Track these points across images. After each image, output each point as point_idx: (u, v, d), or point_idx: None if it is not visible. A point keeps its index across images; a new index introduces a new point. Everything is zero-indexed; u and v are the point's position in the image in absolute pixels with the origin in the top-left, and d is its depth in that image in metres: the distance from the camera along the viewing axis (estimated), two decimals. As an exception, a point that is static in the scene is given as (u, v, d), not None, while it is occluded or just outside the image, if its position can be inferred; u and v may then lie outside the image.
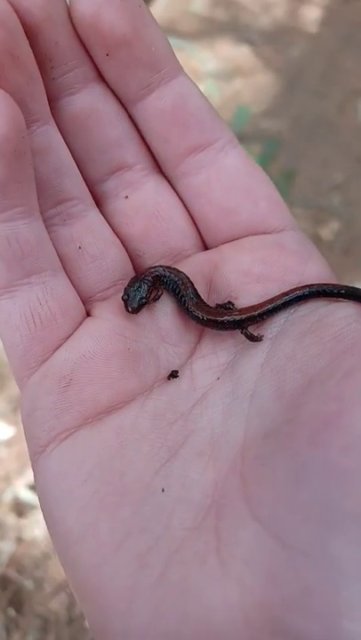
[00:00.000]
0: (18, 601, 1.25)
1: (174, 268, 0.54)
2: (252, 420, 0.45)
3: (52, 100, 0.51)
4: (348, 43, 2.33)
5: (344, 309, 0.48)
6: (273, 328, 0.51)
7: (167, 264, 0.56)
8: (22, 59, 0.45)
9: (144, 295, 0.51)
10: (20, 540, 1.32)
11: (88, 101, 0.52)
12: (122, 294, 0.52)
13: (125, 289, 0.52)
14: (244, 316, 0.51)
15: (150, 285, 0.52)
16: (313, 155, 2.07)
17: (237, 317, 0.51)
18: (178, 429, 0.47)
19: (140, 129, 0.55)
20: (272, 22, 2.44)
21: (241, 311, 0.51)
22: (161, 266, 0.55)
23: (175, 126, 0.53)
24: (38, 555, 1.30)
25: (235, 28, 2.41)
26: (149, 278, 0.53)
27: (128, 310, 0.51)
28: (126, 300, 0.51)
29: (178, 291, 0.53)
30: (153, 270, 0.54)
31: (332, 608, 0.35)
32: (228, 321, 0.51)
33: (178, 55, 0.52)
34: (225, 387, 0.48)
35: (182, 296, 0.53)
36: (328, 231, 1.93)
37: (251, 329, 0.51)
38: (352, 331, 0.45)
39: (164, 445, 0.46)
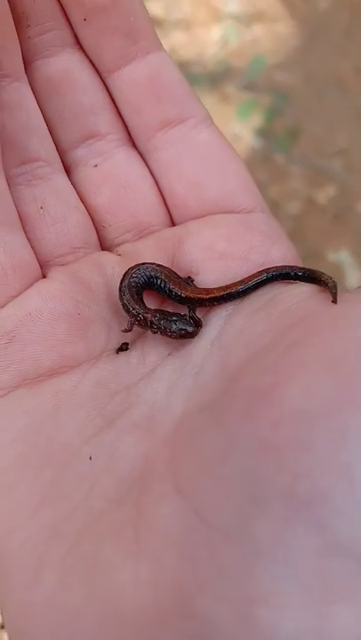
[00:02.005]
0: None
1: (138, 265, 0.52)
2: (193, 396, 0.44)
3: (28, 62, 0.52)
4: (379, 1, 2.23)
5: (298, 288, 0.48)
6: (228, 307, 0.50)
7: (132, 239, 0.55)
8: None
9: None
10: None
11: (63, 65, 0.53)
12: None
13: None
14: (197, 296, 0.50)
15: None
16: (321, 115, 2.02)
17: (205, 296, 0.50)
18: (119, 401, 0.45)
19: (115, 100, 0.55)
20: (304, -32, 2.33)
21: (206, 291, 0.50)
22: (125, 279, 0.51)
23: (149, 98, 0.54)
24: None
25: (264, -30, 2.30)
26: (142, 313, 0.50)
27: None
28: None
29: (155, 281, 0.52)
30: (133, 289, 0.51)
31: (246, 593, 0.32)
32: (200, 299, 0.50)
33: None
34: (174, 363, 0.47)
35: (161, 283, 0.52)
36: (323, 195, 1.92)
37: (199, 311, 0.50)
38: (302, 307, 0.44)
39: (101, 414, 0.44)
